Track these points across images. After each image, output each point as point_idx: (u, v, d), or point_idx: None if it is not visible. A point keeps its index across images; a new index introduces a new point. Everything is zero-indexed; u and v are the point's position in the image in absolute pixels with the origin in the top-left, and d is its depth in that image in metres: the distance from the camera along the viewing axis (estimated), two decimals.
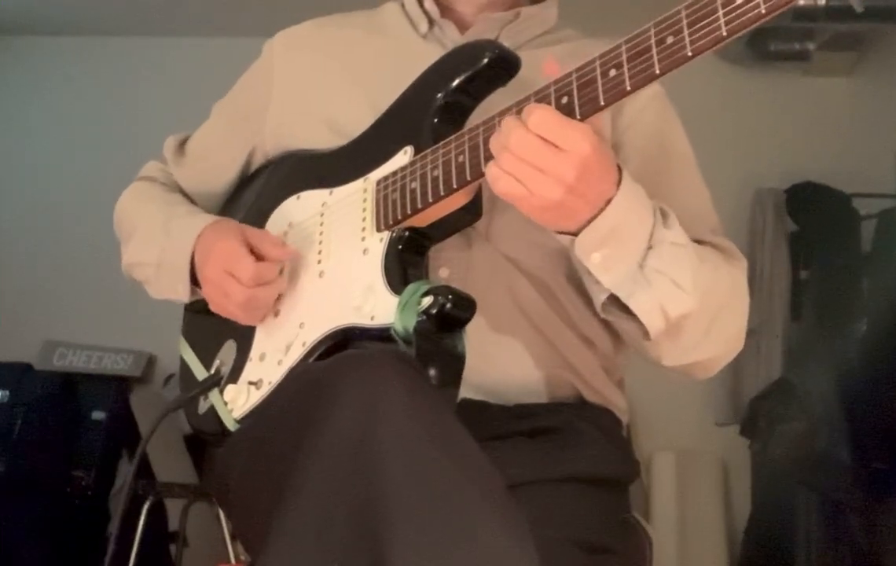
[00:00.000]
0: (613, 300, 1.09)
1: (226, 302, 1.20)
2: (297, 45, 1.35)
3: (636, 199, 1.05)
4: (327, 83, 1.30)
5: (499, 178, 1.00)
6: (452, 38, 1.26)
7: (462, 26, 1.27)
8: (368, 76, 1.28)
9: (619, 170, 1.03)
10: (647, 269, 1.05)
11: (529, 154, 0.97)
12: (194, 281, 1.27)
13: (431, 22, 1.28)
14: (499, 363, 1.18)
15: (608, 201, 1.02)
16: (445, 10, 1.28)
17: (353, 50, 1.32)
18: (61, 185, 4.31)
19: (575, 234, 1.04)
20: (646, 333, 1.09)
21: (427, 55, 1.23)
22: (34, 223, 4.31)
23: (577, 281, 1.20)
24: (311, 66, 1.32)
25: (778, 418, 3.58)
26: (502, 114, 1.04)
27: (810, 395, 3.51)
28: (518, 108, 1.01)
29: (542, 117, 0.97)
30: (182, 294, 1.29)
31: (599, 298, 1.10)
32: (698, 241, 1.13)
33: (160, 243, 1.30)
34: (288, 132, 1.31)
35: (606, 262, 1.05)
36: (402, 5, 1.32)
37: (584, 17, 1.36)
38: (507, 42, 1.24)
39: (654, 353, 1.15)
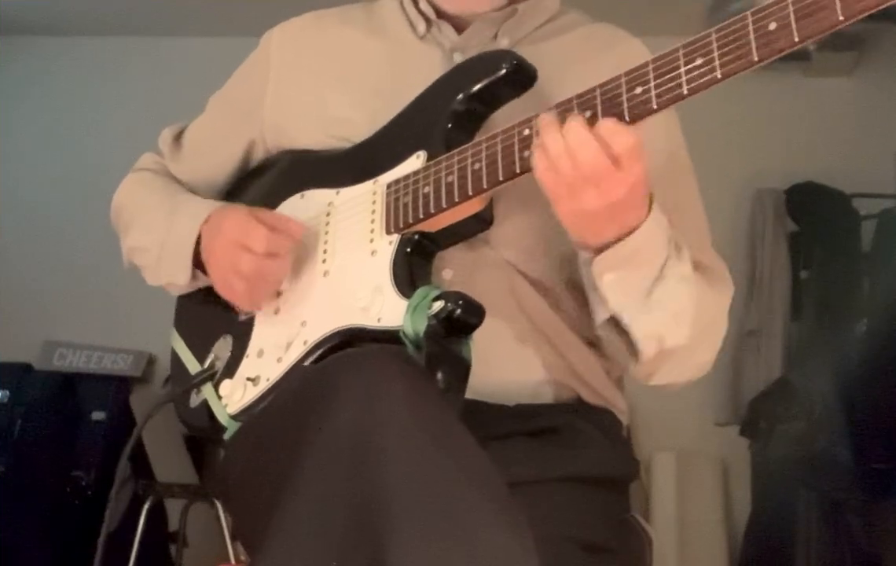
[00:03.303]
0: (612, 320, 1.11)
1: (233, 278, 1.19)
2: (296, 41, 1.34)
3: (659, 228, 1.07)
4: (324, 83, 1.29)
5: (547, 173, 1.01)
6: (450, 38, 1.25)
7: (459, 27, 1.26)
8: (366, 78, 1.27)
9: (650, 197, 1.05)
10: (654, 298, 1.08)
11: (590, 168, 0.98)
12: (198, 267, 1.26)
13: (429, 23, 1.27)
14: (500, 365, 1.17)
15: (636, 226, 1.04)
16: (442, 11, 1.27)
17: (351, 50, 1.31)
18: (61, 184, 4.30)
19: (596, 251, 1.05)
20: (636, 356, 1.12)
21: (425, 57, 1.23)
22: (34, 223, 4.31)
23: (575, 288, 1.20)
24: (309, 64, 1.31)
25: (778, 418, 3.58)
26: (521, 125, 1.05)
27: (810, 395, 3.51)
28: (581, 110, 1.01)
29: (616, 131, 0.98)
30: (182, 279, 1.28)
31: (601, 317, 1.12)
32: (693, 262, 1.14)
33: (164, 228, 1.30)
34: (283, 130, 1.31)
35: (618, 285, 1.07)
36: (401, 3, 1.31)
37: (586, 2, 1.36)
38: (505, 39, 1.24)
39: (634, 372, 1.18)
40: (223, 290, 1.23)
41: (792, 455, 3.51)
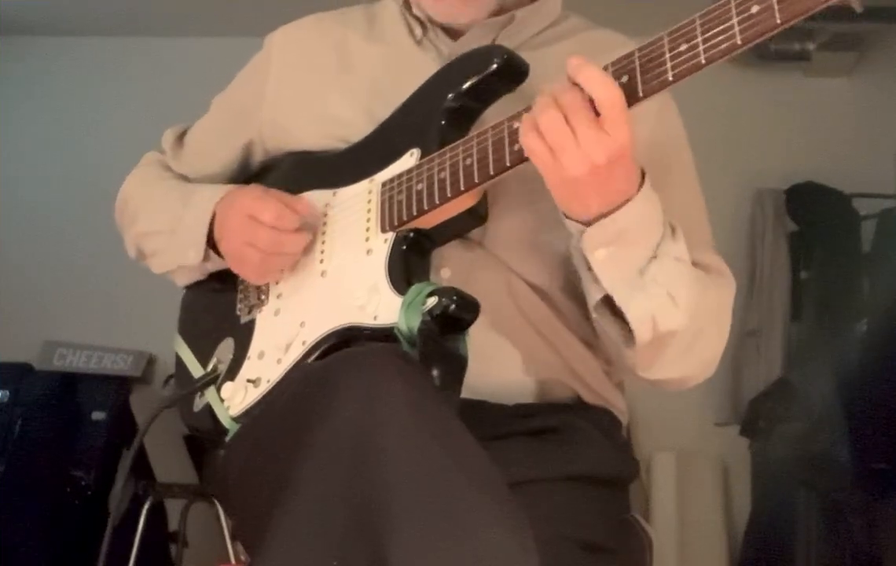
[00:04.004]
0: (606, 302, 1.09)
1: (246, 251, 1.20)
2: (297, 43, 1.35)
3: (651, 206, 1.06)
4: (324, 85, 1.30)
5: (530, 132, 1.00)
6: (447, 44, 1.26)
7: (455, 34, 1.26)
8: (365, 81, 1.28)
9: (643, 174, 1.04)
10: (647, 277, 1.06)
11: (576, 118, 0.97)
12: (211, 248, 1.26)
13: (425, 28, 1.27)
14: (498, 365, 1.18)
15: (626, 201, 1.03)
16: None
17: (350, 53, 1.31)
18: (61, 184, 4.30)
19: (586, 225, 1.04)
20: (630, 340, 1.10)
21: (422, 62, 1.24)
22: (34, 223, 4.30)
23: (572, 291, 1.20)
24: (310, 66, 1.32)
25: (778, 418, 3.58)
26: (511, 119, 1.05)
27: (810, 395, 3.51)
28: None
29: (604, 86, 0.97)
30: (194, 257, 1.28)
31: (594, 298, 1.10)
32: (692, 261, 1.13)
33: (177, 210, 1.31)
34: (282, 129, 1.31)
35: (610, 261, 1.05)
36: (401, 7, 1.31)
37: (588, 5, 1.36)
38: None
39: (631, 362, 1.15)
40: (235, 264, 1.23)
41: (792, 455, 3.51)
